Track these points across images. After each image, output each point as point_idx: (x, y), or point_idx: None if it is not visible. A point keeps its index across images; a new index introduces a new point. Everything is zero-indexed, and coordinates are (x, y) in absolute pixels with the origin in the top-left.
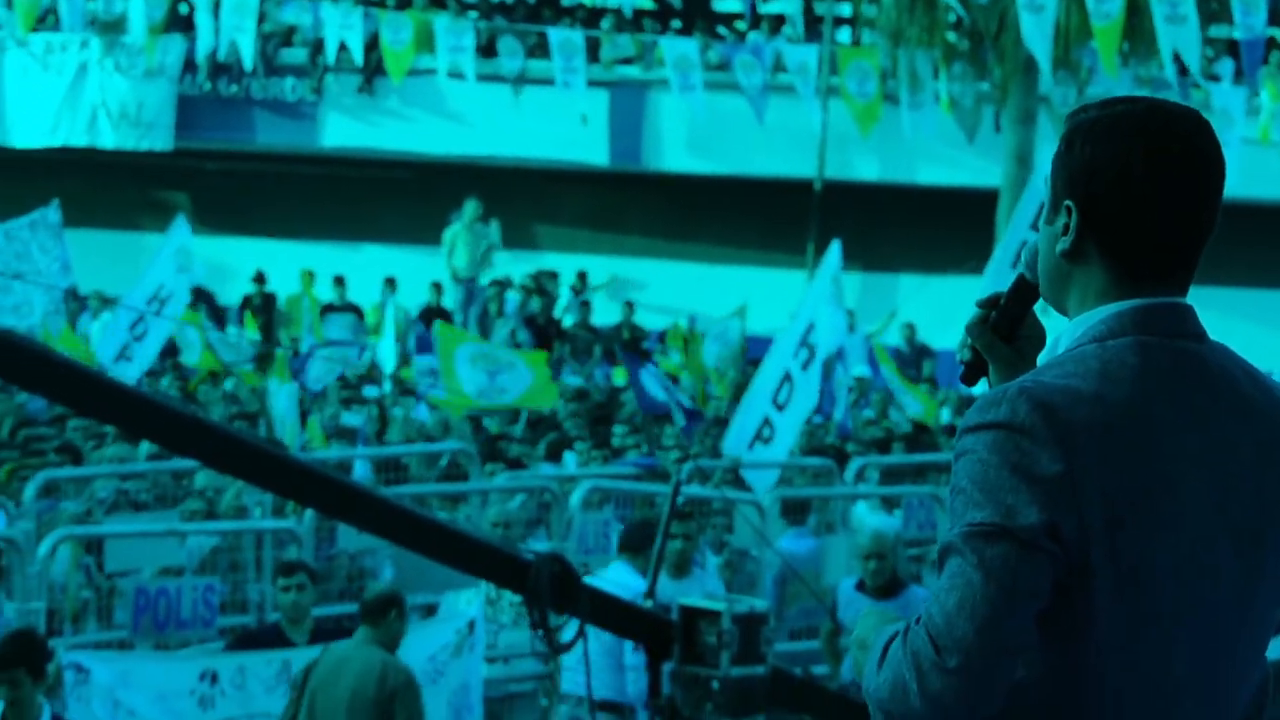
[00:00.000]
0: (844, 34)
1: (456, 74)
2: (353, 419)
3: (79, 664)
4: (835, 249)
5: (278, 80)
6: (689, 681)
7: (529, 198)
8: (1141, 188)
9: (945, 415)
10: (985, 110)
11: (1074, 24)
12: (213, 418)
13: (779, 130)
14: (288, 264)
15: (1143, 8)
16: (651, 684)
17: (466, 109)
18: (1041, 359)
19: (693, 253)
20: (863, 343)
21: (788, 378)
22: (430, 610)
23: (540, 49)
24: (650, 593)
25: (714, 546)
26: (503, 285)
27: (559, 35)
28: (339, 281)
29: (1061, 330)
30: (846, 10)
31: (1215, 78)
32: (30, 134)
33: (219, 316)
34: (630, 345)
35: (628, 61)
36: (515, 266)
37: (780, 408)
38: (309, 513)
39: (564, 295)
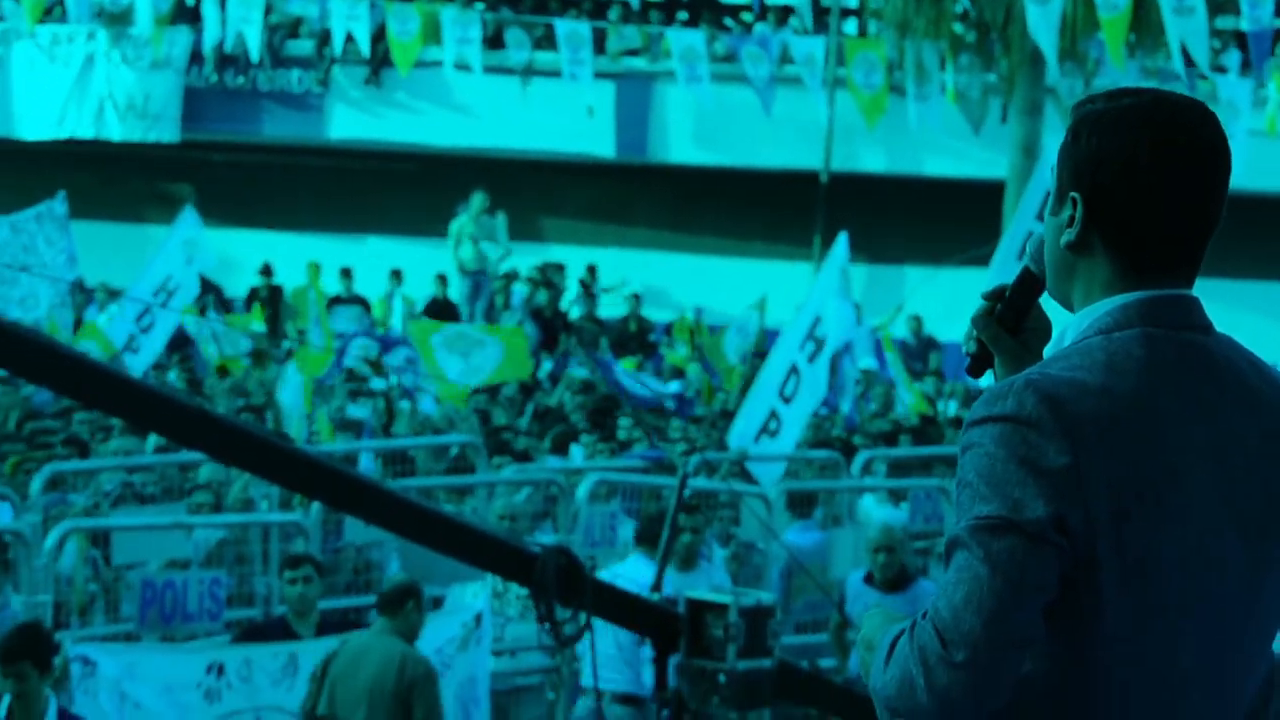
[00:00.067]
0: (850, 25)
1: (463, 66)
2: (359, 411)
3: (85, 657)
4: (842, 241)
5: (284, 72)
6: (696, 674)
7: (535, 189)
8: (1147, 179)
9: (952, 408)
10: (992, 102)
11: (1080, 15)
12: (219, 410)
13: (785, 122)
14: (294, 256)
15: None
16: (658, 677)
17: (473, 101)
18: (1047, 351)
19: (699, 245)
20: (869, 335)
21: (794, 370)
22: (437, 603)
23: (547, 40)
24: (657, 585)
25: (720, 539)
26: (509, 277)
27: (565, 27)
28: (346, 273)
29: (1067, 322)
30: (853, 2)
31: (1222, 69)
32: (37, 126)
33: (227, 308)
34: (636, 338)
35: (634, 53)
36: (522, 259)
37: (786, 400)
38: (316, 506)
39: (571, 287)
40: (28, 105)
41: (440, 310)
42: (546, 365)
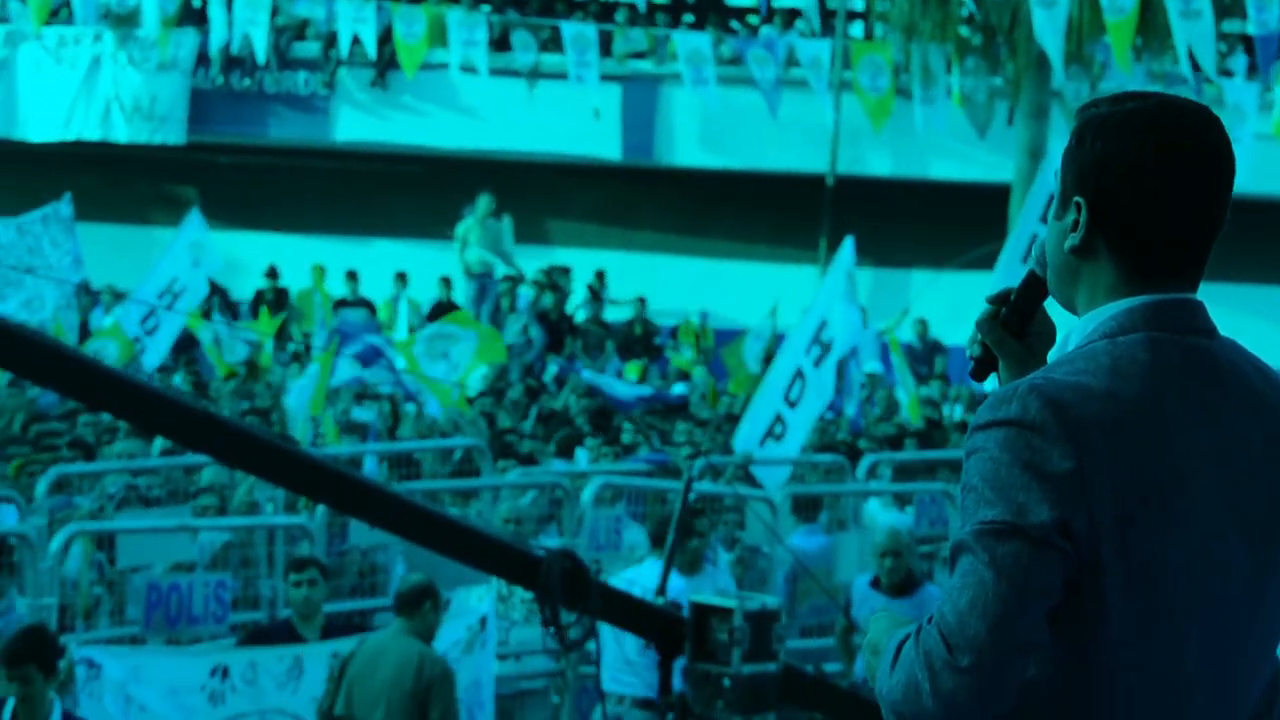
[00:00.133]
0: (857, 28)
1: (469, 68)
2: (364, 414)
3: (90, 660)
4: (849, 245)
5: (291, 74)
6: (700, 679)
7: (541, 192)
8: (1152, 183)
9: (958, 412)
10: (998, 105)
11: (1087, 19)
12: (225, 413)
13: (791, 125)
14: (299, 258)
15: (1156, 3)
16: (663, 681)
17: (479, 103)
18: (1052, 355)
19: (705, 248)
20: (874, 339)
21: (799, 374)
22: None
23: (553, 43)
24: (662, 589)
25: (725, 543)
26: (515, 281)
27: (572, 29)
28: (351, 276)
29: (1072, 326)
30: (859, 5)
31: (1229, 73)
32: (43, 128)
33: (233, 311)
34: (641, 341)
35: (641, 56)
36: (527, 262)
37: (792, 404)
38: (321, 508)
39: (578, 291)
40: (34, 107)
41: (445, 313)
42: (552, 368)
